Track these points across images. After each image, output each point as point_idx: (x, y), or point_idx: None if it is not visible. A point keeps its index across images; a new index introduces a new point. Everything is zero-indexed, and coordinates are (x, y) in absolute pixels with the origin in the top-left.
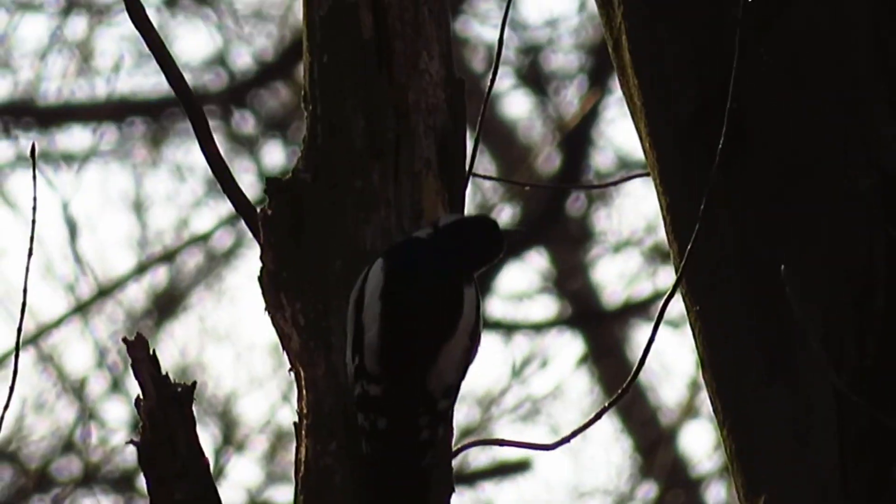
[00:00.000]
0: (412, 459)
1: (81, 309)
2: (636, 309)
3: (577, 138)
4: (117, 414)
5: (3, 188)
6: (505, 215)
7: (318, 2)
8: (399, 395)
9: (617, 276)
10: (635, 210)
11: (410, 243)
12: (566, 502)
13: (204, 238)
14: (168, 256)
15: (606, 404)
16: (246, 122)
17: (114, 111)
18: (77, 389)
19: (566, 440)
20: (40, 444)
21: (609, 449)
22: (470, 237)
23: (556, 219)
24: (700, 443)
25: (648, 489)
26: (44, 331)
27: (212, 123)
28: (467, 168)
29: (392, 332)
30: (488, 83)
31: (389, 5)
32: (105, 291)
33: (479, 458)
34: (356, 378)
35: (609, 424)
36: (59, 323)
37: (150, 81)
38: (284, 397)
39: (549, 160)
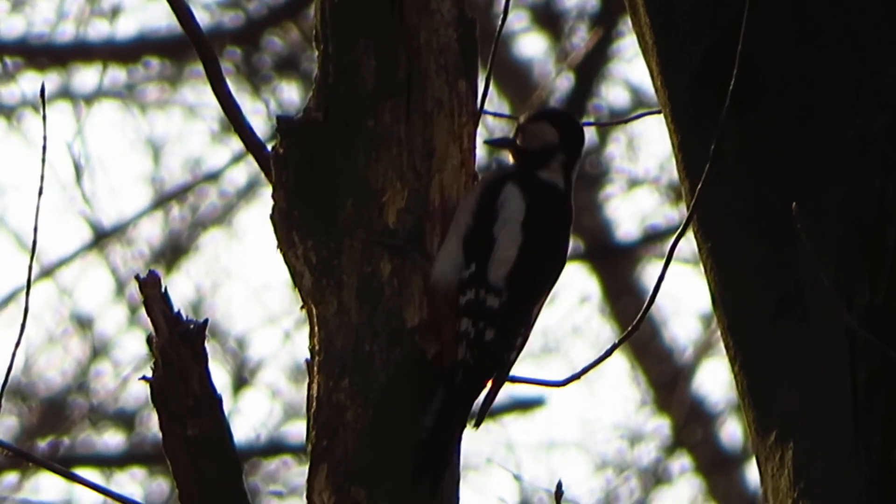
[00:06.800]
0: (501, 374)
1: (95, 246)
2: (651, 246)
3: (586, 73)
4: (133, 350)
5: (21, 127)
6: None
7: None
8: (515, 313)
9: (631, 213)
10: (651, 147)
11: (544, 184)
12: (581, 439)
13: (217, 177)
14: (182, 195)
15: (617, 341)
16: (261, 62)
17: (129, 51)
18: (90, 326)
19: (576, 377)
20: (52, 380)
21: (625, 386)
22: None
23: None
24: (716, 379)
25: (664, 426)
26: (57, 267)
27: (227, 64)
28: (478, 107)
29: (528, 260)
30: (500, 22)
31: None
32: (118, 229)
33: None
34: (469, 285)
35: (625, 362)
36: (72, 259)
37: (166, 21)
38: (297, 334)
39: (559, 97)
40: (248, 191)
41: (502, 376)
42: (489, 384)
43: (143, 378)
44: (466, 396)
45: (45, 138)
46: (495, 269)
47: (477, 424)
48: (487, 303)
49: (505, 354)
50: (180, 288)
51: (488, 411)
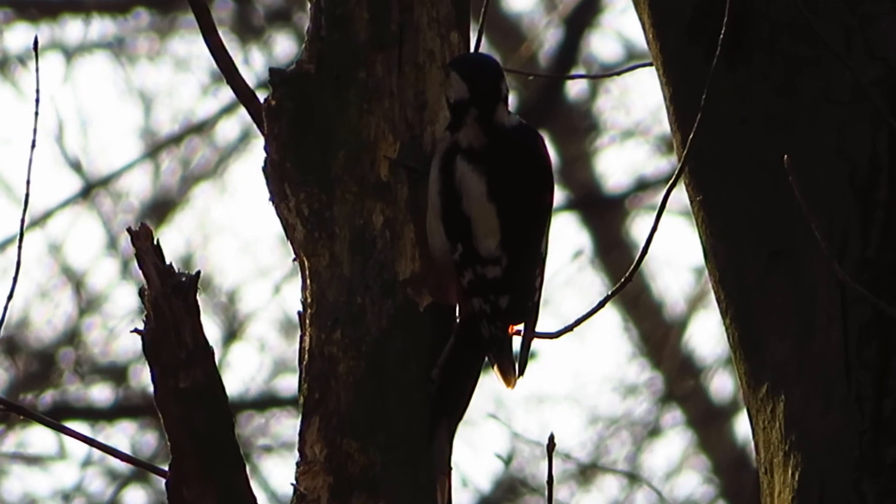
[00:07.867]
0: (530, 320)
1: (84, 199)
2: (641, 197)
3: (576, 24)
4: (123, 304)
5: (11, 78)
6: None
7: None
8: (520, 267)
9: (622, 165)
10: (642, 99)
11: (479, 141)
12: (573, 391)
13: (208, 129)
14: (173, 147)
15: (609, 293)
16: (253, 14)
17: (119, 2)
18: (80, 279)
19: (569, 329)
20: (43, 334)
21: (617, 339)
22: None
23: (553, 107)
24: (707, 332)
25: (655, 379)
26: (45, 218)
27: (219, 14)
28: None
29: (510, 220)
30: None
31: None
32: (108, 181)
33: None
34: (465, 265)
35: (617, 315)
36: (61, 208)
37: None
38: (287, 287)
39: (549, 49)
40: (240, 143)
41: (533, 322)
42: (521, 333)
43: (135, 330)
44: (502, 363)
45: (37, 92)
46: (483, 242)
47: (520, 373)
48: (489, 275)
49: (528, 304)
50: (171, 241)
51: (483, 364)
